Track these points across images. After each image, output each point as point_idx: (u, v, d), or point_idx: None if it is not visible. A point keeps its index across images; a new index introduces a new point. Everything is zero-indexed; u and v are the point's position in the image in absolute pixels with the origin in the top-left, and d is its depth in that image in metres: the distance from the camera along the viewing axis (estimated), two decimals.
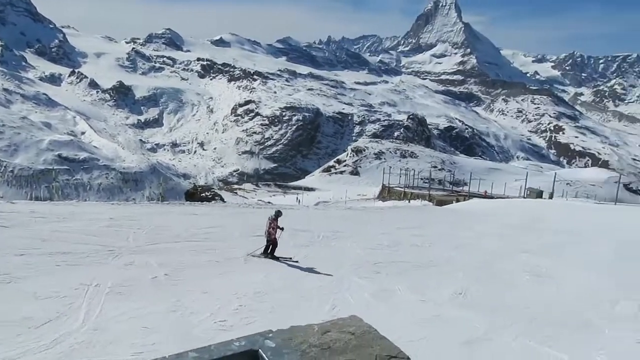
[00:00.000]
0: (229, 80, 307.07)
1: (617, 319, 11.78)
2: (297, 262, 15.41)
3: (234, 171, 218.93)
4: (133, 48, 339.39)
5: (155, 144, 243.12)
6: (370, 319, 10.25)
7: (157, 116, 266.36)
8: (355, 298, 12.06)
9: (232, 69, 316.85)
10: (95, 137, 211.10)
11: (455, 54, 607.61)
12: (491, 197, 61.06)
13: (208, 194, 50.54)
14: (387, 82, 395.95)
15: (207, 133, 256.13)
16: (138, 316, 9.32)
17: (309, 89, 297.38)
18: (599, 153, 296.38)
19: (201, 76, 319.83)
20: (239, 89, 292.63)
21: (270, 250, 15.07)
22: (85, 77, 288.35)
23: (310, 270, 14.49)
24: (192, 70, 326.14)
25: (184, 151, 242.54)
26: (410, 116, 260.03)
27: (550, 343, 9.81)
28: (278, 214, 14.85)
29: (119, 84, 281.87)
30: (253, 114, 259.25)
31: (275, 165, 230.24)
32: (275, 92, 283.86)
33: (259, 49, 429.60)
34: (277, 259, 14.98)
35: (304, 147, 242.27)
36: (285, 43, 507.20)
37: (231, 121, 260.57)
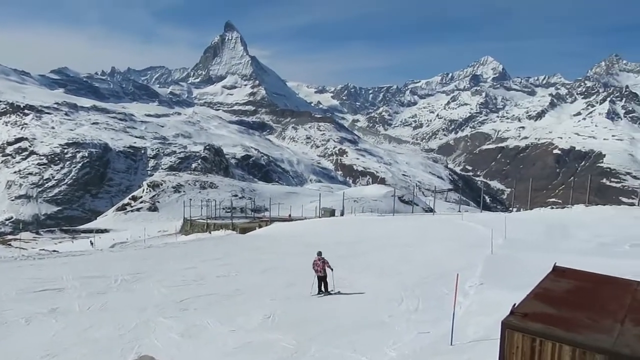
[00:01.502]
0: None
1: (403, 315, 13.49)
2: (334, 292, 16.06)
3: (7, 220, 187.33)
4: None
5: None
6: (181, 359, 9.86)
7: None
8: (162, 340, 11.45)
9: None
10: None
11: (245, 85, 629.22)
12: (292, 220, 64.21)
13: None
14: (180, 113, 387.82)
15: None
16: None
17: (93, 123, 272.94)
18: (376, 172, 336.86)
19: None
20: (7, 125, 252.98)
21: (324, 286, 16.36)
22: None
23: (111, 319, 13.28)
24: None
25: None
26: (207, 147, 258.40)
27: (354, 347, 10.74)
28: (320, 253, 16.60)
29: None
30: (27, 152, 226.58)
31: (60, 208, 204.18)
32: (53, 128, 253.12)
33: (30, 79, 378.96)
34: (329, 293, 16.37)
35: (92, 185, 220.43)
36: (62, 74, 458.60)
37: None
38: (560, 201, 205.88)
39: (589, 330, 5.33)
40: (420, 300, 14.87)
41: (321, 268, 16.19)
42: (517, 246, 22.22)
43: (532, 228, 30.09)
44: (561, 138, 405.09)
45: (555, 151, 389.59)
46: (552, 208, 41.29)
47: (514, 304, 5.98)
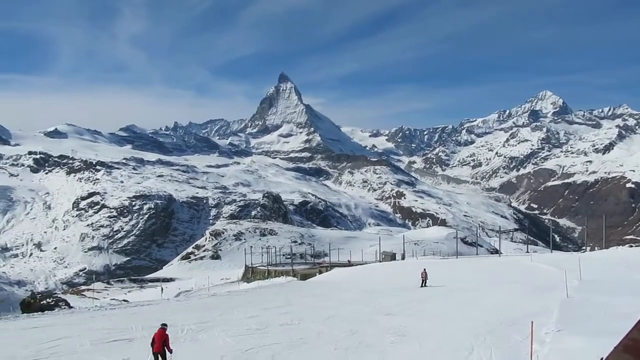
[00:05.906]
0: (68, 173, 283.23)
1: None
2: None
3: (81, 271, 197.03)
4: None
5: None
6: None
7: None
8: None
9: (70, 161, 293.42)
10: None
11: (301, 132, 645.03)
12: (351, 265, 63.51)
13: (50, 300, 44.75)
14: (239, 163, 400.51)
15: (45, 232, 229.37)
16: None
17: (159, 176, 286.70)
18: (436, 213, 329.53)
19: (34, 171, 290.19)
20: (80, 181, 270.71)
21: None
22: None
23: None
24: (22, 165, 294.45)
25: (16, 255, 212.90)
26: (265, 194, 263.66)
27: None
28: (424, 269, 32.09)
29: None
30: (98, 206, 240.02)
31: (128, 258, 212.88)
32: (122, 182, 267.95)
33: (101, 138, 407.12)
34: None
35: (158, 236, 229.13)
36: (129, 131, 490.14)
37: (73, 216, 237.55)
38: (639, 238, 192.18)
39: None
40: (493, 349, 14.07)
41: (423, 277, 32.21)
42: (595, 288, 20.78)
43: (611, 268, 28.17)
44: (634, 171, 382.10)
45: (629, 185, 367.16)
46: (631, 246, 38.54)
47: (601, 358, 5.52)
